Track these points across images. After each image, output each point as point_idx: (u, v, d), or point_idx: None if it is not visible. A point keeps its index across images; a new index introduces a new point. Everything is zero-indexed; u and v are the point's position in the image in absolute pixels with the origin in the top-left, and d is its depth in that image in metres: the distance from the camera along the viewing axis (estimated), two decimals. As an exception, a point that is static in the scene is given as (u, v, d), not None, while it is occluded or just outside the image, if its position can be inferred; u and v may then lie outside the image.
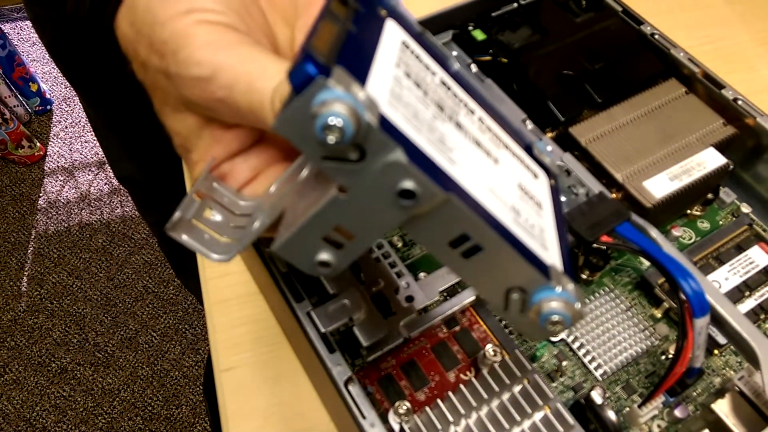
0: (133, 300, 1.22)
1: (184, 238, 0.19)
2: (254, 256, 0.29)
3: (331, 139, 0.14)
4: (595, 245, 0.29)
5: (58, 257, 1.27)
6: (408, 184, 0.15)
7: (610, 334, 0.31)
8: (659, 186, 0.31)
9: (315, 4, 0.23)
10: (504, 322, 0.32)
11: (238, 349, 0.32)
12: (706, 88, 0.36)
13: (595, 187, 0.31)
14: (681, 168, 0.32)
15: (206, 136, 0.21)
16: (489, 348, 0.29)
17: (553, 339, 0.31)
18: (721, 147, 0.33)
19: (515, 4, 0.39)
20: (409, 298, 0.29)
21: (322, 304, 0.27)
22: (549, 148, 0.33)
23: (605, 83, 0.35)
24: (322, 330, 0.26)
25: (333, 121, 0.14)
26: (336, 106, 0.14)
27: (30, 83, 1.40)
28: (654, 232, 0.29)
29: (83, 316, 1.20)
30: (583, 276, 0.33)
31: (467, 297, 0.29)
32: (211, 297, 0.34)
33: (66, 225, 1.31)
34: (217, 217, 0.20)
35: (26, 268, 1.25)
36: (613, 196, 0.32)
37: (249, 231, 0.19)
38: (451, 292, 0.31)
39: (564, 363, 0.31)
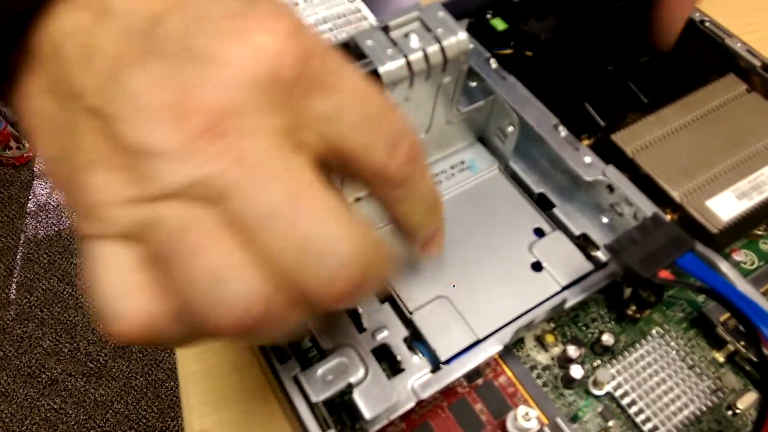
0: (127, 307, 1.18)
1: None
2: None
3: None
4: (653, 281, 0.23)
5: (48, 263, 1.22)
6: None
7: (666, 386, 0.26)
8: (725, 206, 0.26)
9: None
10: (536, 372, 0.26)
11: (216, 406, 0.27)
12: (771, 85, 0.30)
13: (647, 207, 0.25)
14: (750, 183, 0.26)
15: None
16: (521, 411, 0.23)
17: (597, 393, 0.26)
18: (795, 156, 0.28)
19: (541, -12, 0.33)
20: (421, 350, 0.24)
21: (312, 365, 0.21)
22: (588, 159, 0.27)
23: (652, 80, 0.29)
24: (314, 400, 0.20)
25: None
26: None
27: (18, 81, 1.35)
28: (724, 266, 0.24)
29: (74, 324, 1.16)
30: (629, 312, 0.27)
31: (493, 347, 0.24)
32: (184, 340, 0.28)
33: (56, 229, 1.26)
34: None
35: (15, 275, 1.20)
36: (668, 218, 0.27)
37: None
38: (472, 337, 0.25)
39: (610, 423, 0.25)
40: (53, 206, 1.30)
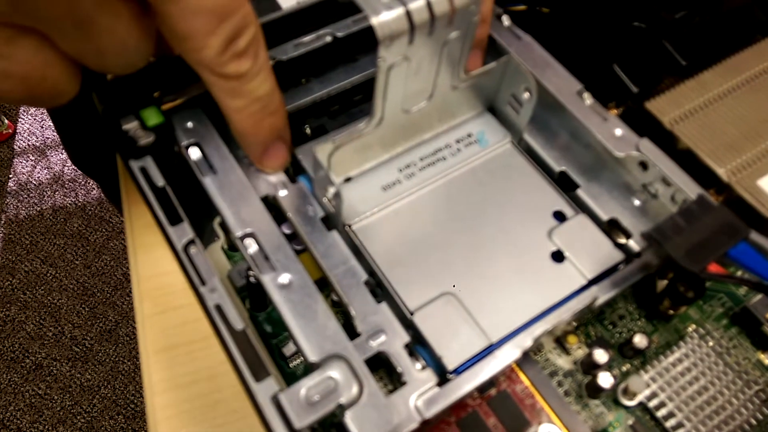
0: (112, 289, 1.14)
1: None
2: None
3: None
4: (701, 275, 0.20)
5: (31, 244, 1.18)
6: None
7: (708, 395, 0.22)
8: (781, 186, 0.22)
9: None
10: (557, 379, 0.23)
11: (186, 420, 0.23)
12: (824, 45, 0.26)
13: (689, 188, 0.22)
14: (808, 159, 0.23)
15: None
16: (543, 430, 0.20)
17: (628, 404, 0.22)
18: None
19: (559, -66, 0.29)
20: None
21: (297, 378, 0.18)
22: (618, 131, 0.23)
23: (691, 40, 0.25)
24: (297, 426, 0.17)
25: None
26: None
27: (-6, 53, 1.29)
28: (784, 258, 0.20)
29: (59, 308, 1.12)
30: (662, 308, 0.24)
31: (510, 353, 0.20)
32: (148, 343, 0.25)
33: (38, 209, 1.22)
34: None
35: (-5, 256, 1.16)
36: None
37: None
38: (484, 340, 0.21)
39: (643, 438, 0.22)
40: (35, 185, 1.25)
